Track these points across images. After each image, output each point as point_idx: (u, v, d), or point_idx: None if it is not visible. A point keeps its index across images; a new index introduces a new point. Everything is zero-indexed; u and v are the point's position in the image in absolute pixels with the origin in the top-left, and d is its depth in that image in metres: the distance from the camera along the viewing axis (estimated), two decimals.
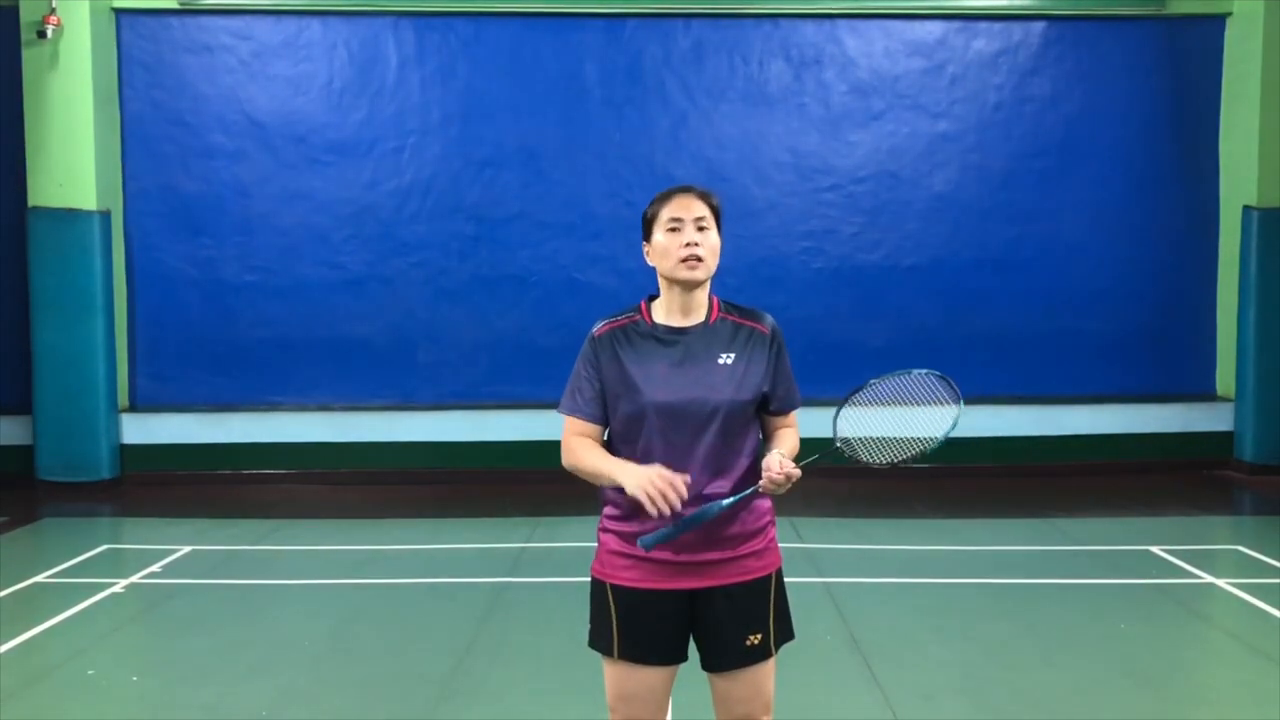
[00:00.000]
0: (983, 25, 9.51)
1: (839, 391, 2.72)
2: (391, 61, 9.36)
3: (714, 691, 2.66)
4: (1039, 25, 9.50)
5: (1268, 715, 4.15)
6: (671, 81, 9.46)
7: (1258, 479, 9.11)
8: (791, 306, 9.11)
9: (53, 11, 8.57)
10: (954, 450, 9.07)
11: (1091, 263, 9.56)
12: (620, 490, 2.51)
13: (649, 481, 2.39)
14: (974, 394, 9.25)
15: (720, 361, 2.56)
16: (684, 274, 2.55)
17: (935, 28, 9.52)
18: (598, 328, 2.64)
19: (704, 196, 2.61)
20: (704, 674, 2.68)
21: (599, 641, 2.65)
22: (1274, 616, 5.35)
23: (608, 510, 2.65)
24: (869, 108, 9.52)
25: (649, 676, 2.60)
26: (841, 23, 9.48)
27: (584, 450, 2.59)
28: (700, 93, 9.47)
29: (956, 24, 9.51)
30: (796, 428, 2.70)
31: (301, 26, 9.35)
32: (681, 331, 2.59)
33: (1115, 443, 9.42)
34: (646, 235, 2.64)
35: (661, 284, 2.64)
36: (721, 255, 2.64)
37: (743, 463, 2.59)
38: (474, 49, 9.40)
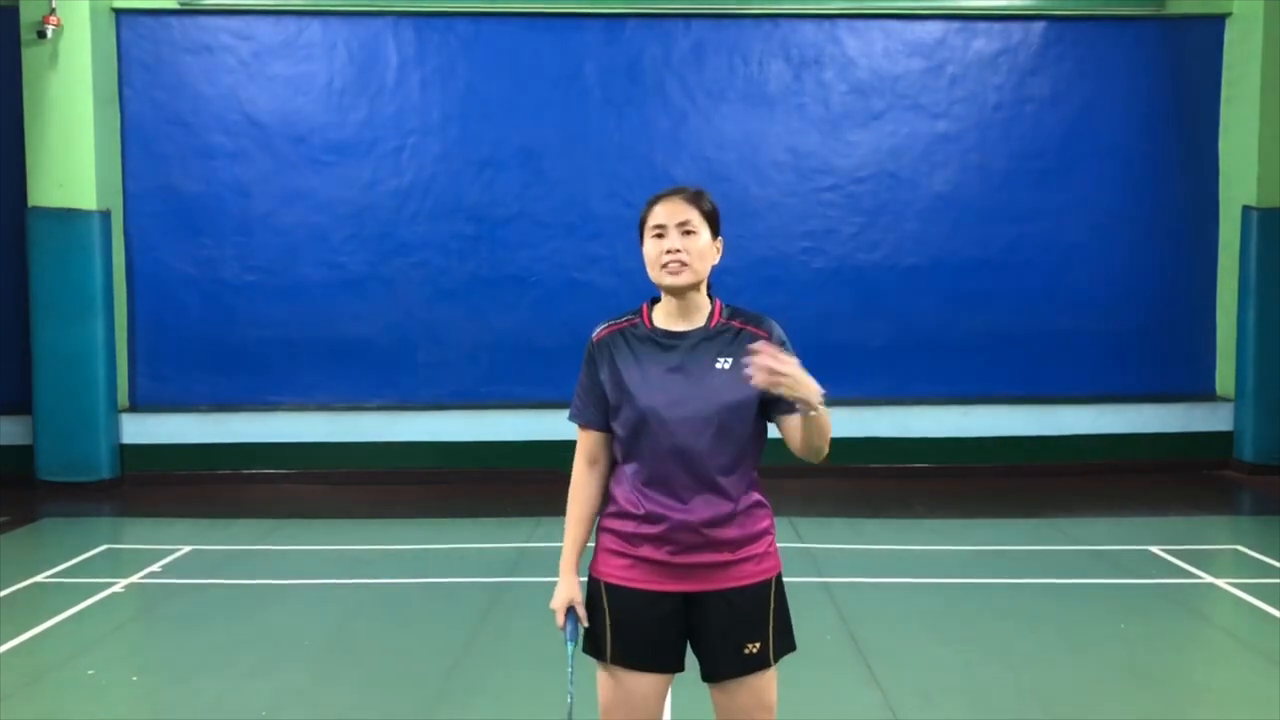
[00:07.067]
0: (983, 25, 9.51)
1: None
2: (391, 61, 9.36)
3: (714, 704, 2.59)
4: (1039, 25, 9.50)
5: (1268, 715, 4.15)
6: (671, 81, 9.45)
7: (1258, 479, 9.11)
8: (791, 306, 9.07)
9: (53, 11, 8.56)
10: (954, 450, 9.27)
11: (1091, 262, 9.56)
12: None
13: (560, 607, 2.63)
14: (974, 394, 9.44)
15: (718, 366, 2.50)
16: (666, 280, 2.52)
17: (935, 28, 9.52)
18: (597, 331, 2.62)
19: (693, 200, 2.55)
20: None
21: (592, 644, 2.60)
22: (1274, 616, 5.35)
23: (610, 507, 2.61)
24: (869, 108, 9.52)
25: (641, 684, 2.54)
26: (841, 23, 9.48)
27: (572, 505, 2.66)
28: (700, 93, 9.47)
29: (956, 24, 9.51)
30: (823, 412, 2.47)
31: (301, 26, 9.35)
32: (680, 336, 2.55)
33: (1115, 443, 9.41)
34: (641, 240, 2.61)
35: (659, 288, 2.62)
36: (722, 255, 2.61)
37: (744, 469, 2.53)
38: (474, 49, 9.40)
